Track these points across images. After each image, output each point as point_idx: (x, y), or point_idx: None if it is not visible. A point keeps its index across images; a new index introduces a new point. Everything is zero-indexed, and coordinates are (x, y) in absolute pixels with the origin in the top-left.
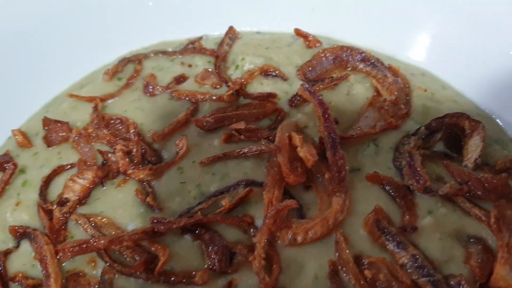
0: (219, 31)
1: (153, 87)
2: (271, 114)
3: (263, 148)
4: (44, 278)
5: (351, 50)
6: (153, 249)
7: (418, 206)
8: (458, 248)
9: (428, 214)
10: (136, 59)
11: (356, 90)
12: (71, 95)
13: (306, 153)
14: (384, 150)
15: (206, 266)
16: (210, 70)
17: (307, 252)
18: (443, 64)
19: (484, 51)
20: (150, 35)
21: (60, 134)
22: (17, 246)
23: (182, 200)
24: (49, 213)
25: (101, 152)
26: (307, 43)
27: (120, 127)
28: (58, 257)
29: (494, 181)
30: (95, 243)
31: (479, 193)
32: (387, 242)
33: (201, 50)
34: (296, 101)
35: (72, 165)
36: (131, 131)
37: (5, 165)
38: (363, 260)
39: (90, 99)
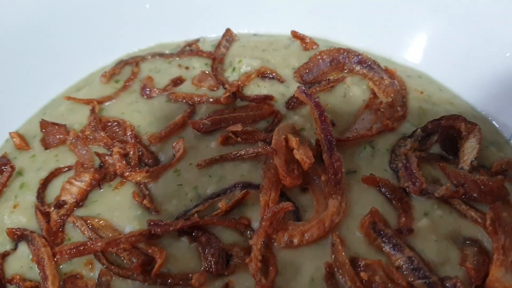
0: (216, 33)
1: (150, 90)
2: (268, 116)
3: (259, 150)
4: (42, 280)
5: (347, 52)
6: (150, 251)
7: (414, 208)
8: (454, 250)
9: (424, 216)
10: (133, 62)
11: (352, 92)
12: (69, 98)
13: (302, 155)
14: (380, 152)
15: (202, 268)
16: (207, 72)
17: (303, 254)
18: (439, 66)
19: (480, 53)
20: (147, 37)
21: (58, 136)
22: (15, 249)
23: (179, 202)
24: (46, 215)
25: (98, 154)
26: (304, 45)
27: (117, 130)
28: (55, 259)
29: (490, 183)
30: (92, 245)
31: (475, 195)
32: (383, 244)
33: (198, 52)
34: (293, 103)
35: (70, 168)
36: (128, 134)
37: (3, 168)
38: (359, 262)
39: (88, 102)
